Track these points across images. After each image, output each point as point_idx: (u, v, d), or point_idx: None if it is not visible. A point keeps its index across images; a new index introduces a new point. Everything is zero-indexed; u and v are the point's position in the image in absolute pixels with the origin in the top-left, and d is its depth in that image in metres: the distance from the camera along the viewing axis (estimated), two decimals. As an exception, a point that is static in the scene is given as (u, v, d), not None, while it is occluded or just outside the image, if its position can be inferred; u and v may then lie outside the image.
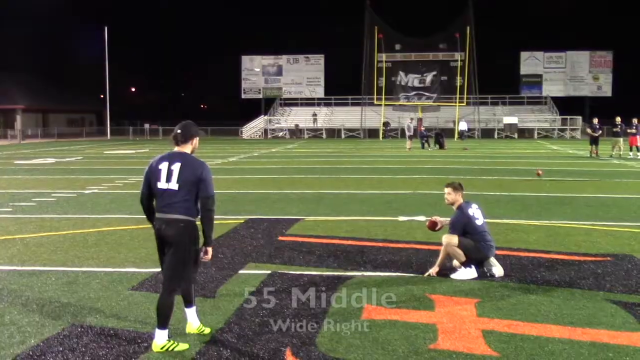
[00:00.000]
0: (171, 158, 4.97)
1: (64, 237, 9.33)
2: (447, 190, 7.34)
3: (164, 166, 4.93)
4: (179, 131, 5.12)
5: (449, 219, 7.35)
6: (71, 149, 36.81)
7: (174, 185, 4.87)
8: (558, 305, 5.92)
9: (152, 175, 4.97)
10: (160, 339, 4.81)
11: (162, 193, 4.90)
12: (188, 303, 5.15)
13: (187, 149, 5.10)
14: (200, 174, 4.92)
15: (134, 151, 34.46)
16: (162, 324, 4.81)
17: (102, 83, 60.04)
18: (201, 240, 5.01)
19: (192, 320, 5.17)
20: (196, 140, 5.20)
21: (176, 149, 5.08)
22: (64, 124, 66.53)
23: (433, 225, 7.58)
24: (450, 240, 6.97)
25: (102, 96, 64.90)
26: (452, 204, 7.31)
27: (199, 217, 4.98)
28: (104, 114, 62.42)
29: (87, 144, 44.41)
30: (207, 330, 5.17)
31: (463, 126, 50.32)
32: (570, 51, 60.99)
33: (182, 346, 4.84)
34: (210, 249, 5.00)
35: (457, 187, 7.34)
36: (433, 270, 7.02)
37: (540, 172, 18.32)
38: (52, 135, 57.71)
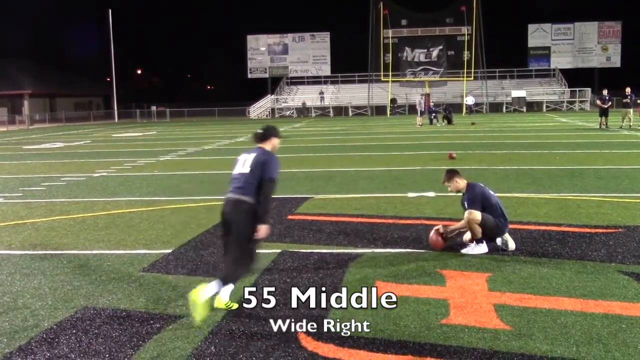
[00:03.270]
0: (250, 151, 5.66)
1: (74, 221, 9.37)
2: (445, 184, 7.24)
3: (242, 157, 5.64)
4: (260, 131, 5.78)
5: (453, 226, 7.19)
6: (79, 133, 36.89)
7: (246, 169, 5.50)
8: (570, 277, 5.90)
9: (236, 163, 5.69)
10: (226, 296, 5.21)
11: (236, 177, 5.58)
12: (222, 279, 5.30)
13: (266, 147, 5.70)
14: (264, 159, 5.50)
15: (141, 134, 34.50)
16: (232, 281, 5.26)
17: (108, 66, 60.03)
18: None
19: (223, 295, 5.24)
20: (276, 141, 5.80)
21: (257, 145, 5.71)
22: (72, 108, 66.60)
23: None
24: (474, 216, 6.80)
25: (108, 79, 64.89)
26: (459, 190, 7.19)
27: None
28: (111, 97, 62.45)
29: (95, 128, 44.48)
30: (235, 306, 5.23)
31: (470, 100, 50.02)
32: (578, 22, 60.31)
33: (235, 305, 5.23)
34: (263, 227, 5.32)
35: (451, 174, 7.20)
36: (442, 227, 7.06)
37: (454, 155, 16.41)
38: (59, 120, 57.82)
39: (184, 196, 11.48)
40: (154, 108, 63.03)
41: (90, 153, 22.30)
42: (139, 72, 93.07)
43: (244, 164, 5.55)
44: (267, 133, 5.73)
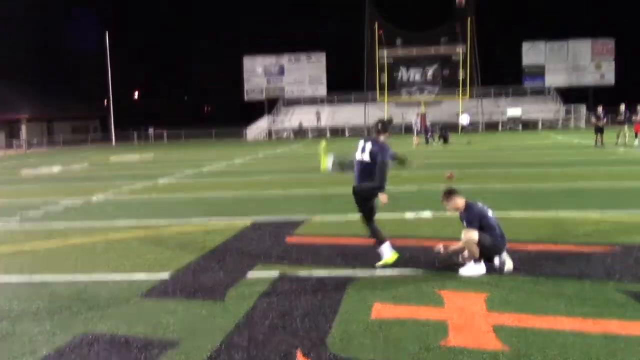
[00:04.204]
0: (366, 140, 7.39)
1: (72, 246, 9.36)
2: (444, 203, 7.27)
3: (360, 144, 7.35)
4: (379, 125, 7.49)
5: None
6: (77, 157, 36.92)
7: (366, 157, 7.23)
8: (568, 297, 5.91)
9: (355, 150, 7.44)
10: (388, 252, 7.28)
11: (358, 162, 7.36)
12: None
13: (380, 138, 7.38)
14: (377, 148, 7.21)
15: (139, 156, 34.54)
16: (381, 241, 7.31)
17: (105, 89, 60.25)
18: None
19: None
20: (385, 136, 7.44)
21: (381, 137, 7.37)
22: (69, 132, 66.74)
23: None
24: (471, 236, 6.79)
25: (105, 102, 65.12)
26: (458, 209, 7.20)
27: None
28: (108, 120, 62.62)
29: (92, 151, 44.53)
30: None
31: (465, 119, 50.21)
32: (571, 40, 60.80)
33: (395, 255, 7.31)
34: (384, 194, 7.14)
35: (449, 193, 7.20)
36: (442, 247, 7.11)
37: (452, 174, 15.42)
38: (57, 144, 57.93)
39: (182, 219, 11.49)
40: (151, 130, 63.21)
41: (87, 177, 22.31)
42: (136, 94, 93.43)
43: (362, 150, 7.32)
44: (382, 128, 7.44)
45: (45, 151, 48.27)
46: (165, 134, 62.01)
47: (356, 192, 7.38)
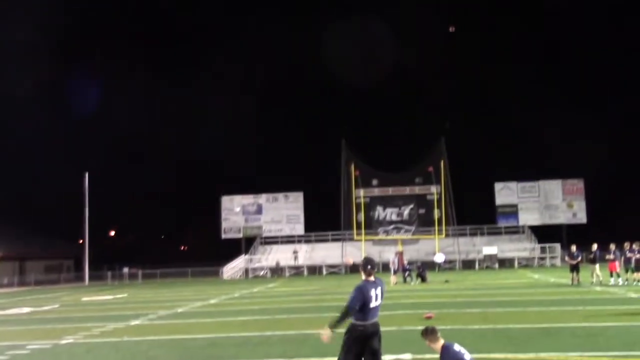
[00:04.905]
0: (376, 285, 7.36)
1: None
2: (426, 341, 7.35)
3: (373, 292, 7.27)
4: (369, 266, 7.50)
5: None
6: (48, 297, 36.03)
7: (379, 302, 7.38)
8: None
9: (367, 299, 7.24)
10: None
11: (373, 309, 7.33)
12: None
13: (373, 277, 7.47)
14: (385, 288, 7.60)
15: (112, 297, 33.83)
16: None
17: (81, 228, 60.00)
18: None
19: None
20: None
21: (367, 278, 7.45)
22: (42, 271, 65.52)
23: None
24: None
25: (80, 241, 64.62)
26: (435, 349, 7.21)
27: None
28: (83, 259, 61.84)
29: (64, 291, 43.57)
30: None
31: (440, 258, 50.53)
32: (542, 180, 62.60)
33: None
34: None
35: (426, 333, 7.32)
36: None
37: (431, 315, 16.02)
38: (28, 283, 56.68)
39: (154, 363, 11.09)
40: (125, 270, 62.35)
41: (58, 318, 21.68)
42: (112, 233, 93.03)
43: (376, 298, 7.31)
44: (374, 267, 7.55)
45: (15, 291, 47.13)
46: (140, 273, 61.16)
47: (377, 333, 7.43)
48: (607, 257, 28.01)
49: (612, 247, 27.98)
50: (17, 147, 78.23)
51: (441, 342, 7.13)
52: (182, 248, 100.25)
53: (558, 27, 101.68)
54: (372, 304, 7.29)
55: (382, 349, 7.40)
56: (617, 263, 27.61)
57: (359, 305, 7.23)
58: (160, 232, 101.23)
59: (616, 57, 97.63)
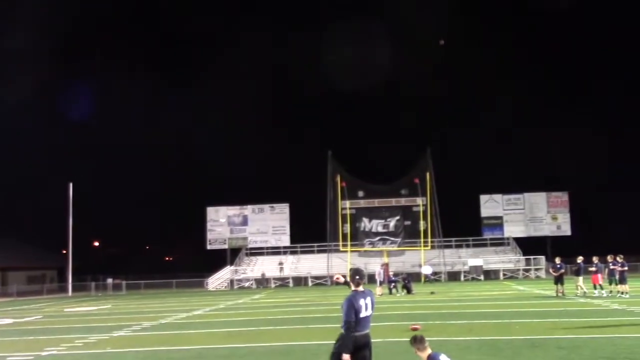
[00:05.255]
0: (365, 295, 7.46)
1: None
2: (412, 347, 7.40)
3: (362, 302, 7.35)
4: (357, 277, 7.62)
5: None
6: (30, 308, 35.65)
7: (369, 312, 7.45)
8: None
9: (357, 310, 7.31)
10: None
11: (364, 319, 7.38)
12: None
13: (361, 287, 7.57)
14: (374, 299, 7.64)
15: (95, 308, 33.53)
16: None
17: (64, 239, 59.51)
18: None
19: None
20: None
21: (360, 288, 7.56)
22: (24, 282, 64.82)
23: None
24: None
25: (64, 251, 64.06)
26: (422, 358, 7.24)
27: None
28: (66, 269, 61.27)
29: (47, 302, 43.14)
30: None
31: (427, 270, 50.61)
32: (527, 193, 62.98)
33: None
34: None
35: (417, 341, 7.35)
36: None
37: (417, 327, 15.81)
38: (10, 294, 55.98)
39: (137, 375, 10.99)
40: (109, 280, 61.84)
41: (40, 329, 21.44)
42: (96, 243, 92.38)
43: (366, 307, 7.38)
44: (362, 277, 7.69)
45: (-3, 302, 46.57)
46: (124, 284, 60.67)
47: (368, 345, 7.47)
48: (590, 269, 28.26)
49: (595, 259, 28.26)
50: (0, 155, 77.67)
51: (428, 351, 7.18)
52: (167, 259, 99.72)
53: (544, 37, 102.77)
54: (363, 314, 7.33)
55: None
56: (599, 275, 27.88)
57: (354, 316, 7.32)
58: (144, 242, 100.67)
59: (602, 69, 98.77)
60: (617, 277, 26.91)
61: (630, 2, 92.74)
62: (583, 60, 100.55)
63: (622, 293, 26.11)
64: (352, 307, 7.29)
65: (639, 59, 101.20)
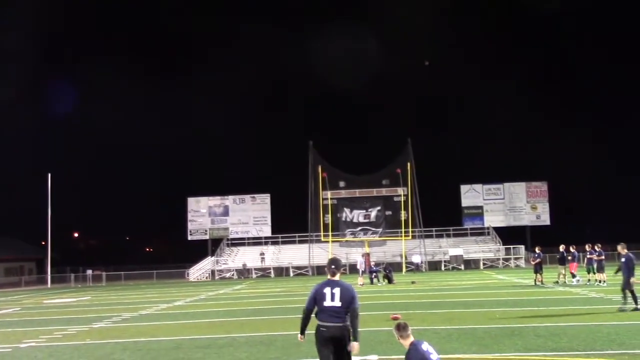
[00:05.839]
0: (332, 284, 7.26)
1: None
2: (395, 334, 7.38)
3: (327, 290, 7.20)
4: (333, 266, 7.45)
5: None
6: (8, 300, 35.30)
7: (337, 303, 7.13)
8: None
9: (318, 296, 7.27)
10: None
11: (328, 309, 7.13)
12: None
13: (338, 277, 7.40)
14: (352, 293, 7.22)
15: (75, 299, 33.28)
16: None
17: (43, 230, 58.96)
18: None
19: None
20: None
21: (331, 277, 7.39)
22: (2, 274, 64.24)
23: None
24: None
25: (43, 243, 63.48)
26: (404, 345, 7.24)
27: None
28: (45, 261, 60.73)
29: (26, 294, 42.76)
30: None
31: (417, 259, 51.21)
32: (507, 183, 63.41)
33: None
34: (357, 344, 7.12)
35: (400, 328, 7.32)
36: None
37: (397, 316, 15.97)
38: (-12, 286, 55.45)
39: (117, 367, 10.92)
40: (89, 272, 61.39)
41: (18, 321, 21.24)
42: (76, 235, 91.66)
43: (332, 297, 7.16)
44: (339, 266, 7.52)
45: (-25, 294, 46.05)
46: (103, 275, 60.29)
47: (339, 340, 7.17)
48: (568, 258, 28.60)
49: (572, 248, 28.63)
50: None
51: (411, 339, 7.21)
52: (147, 250, 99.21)
53: (523, 30, 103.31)
54: (326, 303, 7.18)
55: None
56: (575, 264, 28.31)
57: (312, 303, 7.32)
58: (124, 233, 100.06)
59: (583, 61, 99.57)
60: (595, 265, 27.23)
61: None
62: (563, 52, 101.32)
63: (600, 281, 26.41)
64: (312, 294, 7.34)
65: (618, 51, 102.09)
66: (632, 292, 16.55)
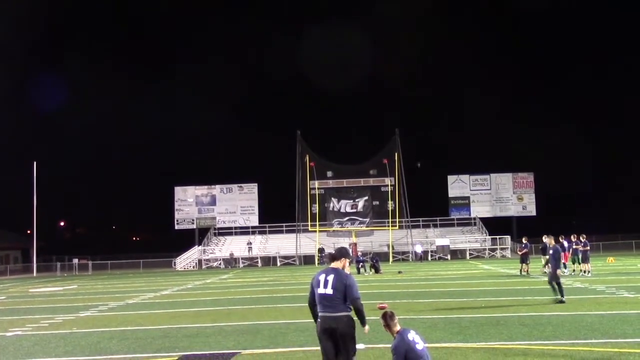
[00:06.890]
0: (328, 271, 7.02)
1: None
2: (381, 322, 7.43)
3: (322, 277, 6.95)
4: (333, 252, 7.33)
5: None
6: (-6, 289, 35.13)
7: (329, 290, 6.83)
8: None
9: (314, 283, 7.03)
10: None
11: (320, 296, 6.88)
12: None
13: (338, 265, 7.15)
14: (345, 281, 6.90)
15: (61, 288, 33.17)
16: None
17: (29, 219, 58.63)
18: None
19: None
20: (345, 261, 7.28)
21: (332, 265, 7.15)
22: (-13, 263, 63.90)
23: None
24: None
25: (29, 232, 63.11)
26: (392, 334, 7.33)
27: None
28: (31, 250, 60.42)
29: (11, 283, 42.55)
30: None
31: (419, 248, 51.87)
32: (494, 173, 63.74)
33: None
34: (367, 326, 7.11)
35: (387, 316, 7.39)
36: None
37: (383, 306, 16.55)
38: (-27, 275, 55.16)
39: (104, 356, 10.93)
40: (75, 261, 61.16)
41: (3, 310, 21.15)
42: (62, 223, 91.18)
43: (325, 284, 6.89)
44: (339, 254, 7.27)
45: (-40, 283, 45.79)
46: (90, 264, 60.09)
47: (333, 331, 6.89)
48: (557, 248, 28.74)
49: (560, 239, 28.75)
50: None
51: (398, 327, 7.28)
52: (134, 238, 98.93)
53: (511, 25, 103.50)
54: (319, 290, 6.95)
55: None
56: (563, 254, 28.42)
57: (311, 290, 7.15)
58: (111, 222, 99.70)
59: (569, 52, 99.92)
60: (580, 256, 27.47)
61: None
62: (549, 46, 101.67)
63: (585, 272, 26.66)
64: (311, 282, 7.21)
65: (604, 44, 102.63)
66: (558, 284, 16.53)
